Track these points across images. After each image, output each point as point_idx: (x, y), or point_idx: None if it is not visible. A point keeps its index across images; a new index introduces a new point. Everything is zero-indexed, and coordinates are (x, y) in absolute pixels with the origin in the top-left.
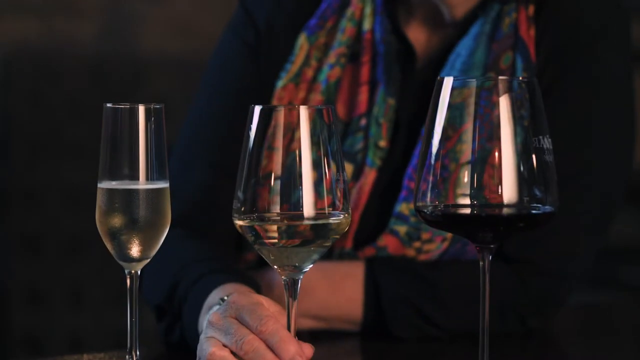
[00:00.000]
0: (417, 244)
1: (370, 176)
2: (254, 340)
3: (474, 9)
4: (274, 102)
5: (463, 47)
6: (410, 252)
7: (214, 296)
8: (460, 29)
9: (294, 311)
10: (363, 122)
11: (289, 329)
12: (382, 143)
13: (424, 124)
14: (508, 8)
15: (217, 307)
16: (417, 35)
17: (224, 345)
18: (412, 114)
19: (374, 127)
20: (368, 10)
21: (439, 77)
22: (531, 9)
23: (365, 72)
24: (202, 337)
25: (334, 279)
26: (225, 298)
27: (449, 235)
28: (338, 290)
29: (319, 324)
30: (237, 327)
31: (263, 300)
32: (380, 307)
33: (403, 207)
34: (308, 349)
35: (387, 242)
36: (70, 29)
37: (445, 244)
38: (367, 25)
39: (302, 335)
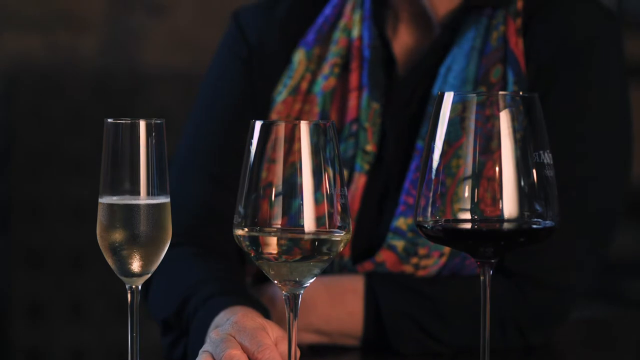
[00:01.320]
0: (414, 260)
1: (360, 182)
2: (236, 357)
3: (456, 12)
4: (273, 116)
5: (454, 62)
6: (408, 269)
7: (222, 317)
8: (446, 32)
9: (294, 326)
10: (354, 127)
11: (289, 343)
12: (369, 147)
13: (416, 132)
14: (496, 21)
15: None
16: (405, 39)
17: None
18: (400, 121)
19: (361, 132)
20: (357, 17)
21: (438, 92)
22: (519, 21)
23: (354, 78)
24: (200, 350)
25: (335, 293)
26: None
27: (446, 250)
28: (339, 304)
29: (320, 339)
30: (229, 343)
31: (267, 324)
32: (380, 321)
33: (400, 222)
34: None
35: (385, 258)
36: (72, 43)
37: (443, 259)
38: (355, 32)
39: (303, 349)
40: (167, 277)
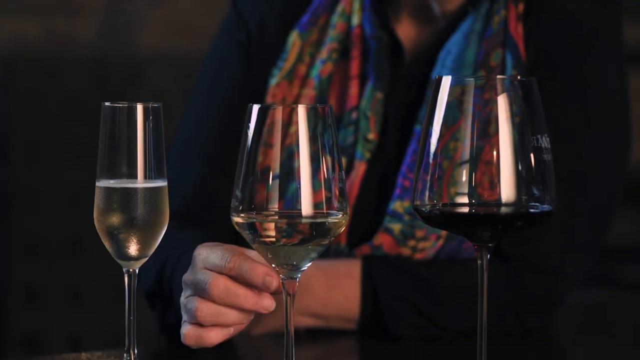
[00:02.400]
0: (411, 243)
1: (360, 169)
2: (219, 280)
3: (464, 5)
4: (268, 99)
5: (453, 45)
6: (406, 252)
7: None
8: (450, 23)
9: (292, 310)
10: (354, 115)
11: (287, 327)
12: (371, 136)
13: (416, 119)
14: (497, 6)
15: None
16: (406, 30)
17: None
18: (401, 108)
19: (363, 121)
20: (356, 5)
21: (436, 76)
22: (521, 7)
23: (355, 66)
24: (182, 299)
25: (332, 277)
26: None
27: (443, 233)
28: (336, 288)
29: (316, 322)
30: (205, 275)
31: (221, 244)
32: (377, 305)
33: (397, 205)
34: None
35: (383, 241)
36: (69, 29)
37: (440, 242)
38: (355, 20)
39: (300, 333)
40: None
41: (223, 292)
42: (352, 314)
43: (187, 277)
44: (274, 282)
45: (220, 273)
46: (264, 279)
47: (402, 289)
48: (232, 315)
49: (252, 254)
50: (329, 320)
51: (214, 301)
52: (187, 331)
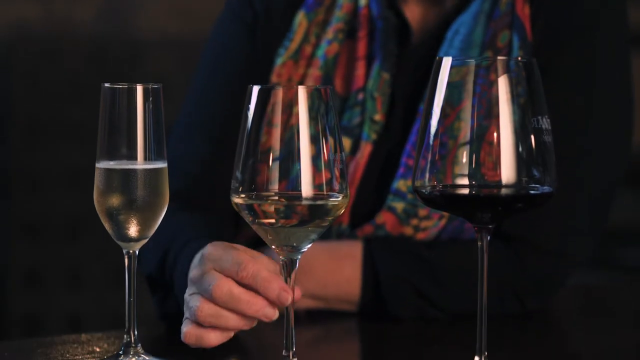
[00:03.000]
0: (414, 222)
1: (366, 150)
2: (224, 284)
3: None
4: (273, 79)
5: (461, 25)
6: (408, 231)
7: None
8: (457, 4)
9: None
10: (360, 96)
11: (287, 309)
12: (377, 117)
13: (421, 99)
14: None
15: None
16: (414, 10)
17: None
18: (408, 89)
19: (369, 101)
20: None
21: (437, 57)
22: None
23: (362, 47)
24: (185, 296)
25: (333, 258)
26: None
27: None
28: (337, 269)
29: (317, 304)
30: (212, 276)
31: (236, 246)
32: (378, 286)
33: (400, 184)
34: (297, 291)
35: (385, 219)
36: (69, 10)
37: (443, 221)
38: (363, 1)
39: (300, 314)
40: (151, 237)
41: (226, 296)
42: (353, 295)
43: (193, 275)
44: (289, 297)
45: (231, 278)
46: (280, 294)
47: (403, 270)
48: (232, 320)
49: (264, 260)
50: (329, 301)
51: (216, 303)
52: (188, 330)
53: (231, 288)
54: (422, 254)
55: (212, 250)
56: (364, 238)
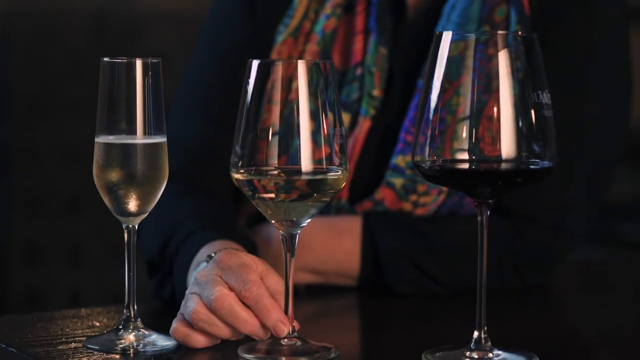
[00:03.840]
0: (413, 197)
1: (364, 125)
2: (226, 297)
3: None
4: (274, 56)
5: (458, 0)
6: (407, 206)
7: (203, 253)
8: None
9: (291, 266)
10: (359, 71)
11: (286, 283)
12: (376, 92)
13: (419, 74)
14: None
15: (204, 264)
16: None
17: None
18: (405, 64)
19: (367, 77)
20: None
21: (437, 32)
22: None
23: (360, 21)
24: (187, 292)
25: (332, 233)
26: (213, 255)
27: (444, 187)
28: (336, 244)
29: (316, 278)
30: (217, 285)
31: (251, 260)
32: (377, 261)
33: (399, 160)
34: (296, 324)
35: (384, 195)
36: None
37: (442, 197)
38: None
39: (300, 289)
40: (152, 216)
41: (226, 310)
42: (352, 270)
43: (200, 275)
44: (285, 330)
45: (234, 293)
46: (276, 325)
47: (402, 245)
48: (223, 331)
49: (271, 281)
50: (328, 276)
51: (213, 313)
52: (177, 326)
53: (232, 304)
54: (421, 228)
55: (225, 257)
56: (363, 213)
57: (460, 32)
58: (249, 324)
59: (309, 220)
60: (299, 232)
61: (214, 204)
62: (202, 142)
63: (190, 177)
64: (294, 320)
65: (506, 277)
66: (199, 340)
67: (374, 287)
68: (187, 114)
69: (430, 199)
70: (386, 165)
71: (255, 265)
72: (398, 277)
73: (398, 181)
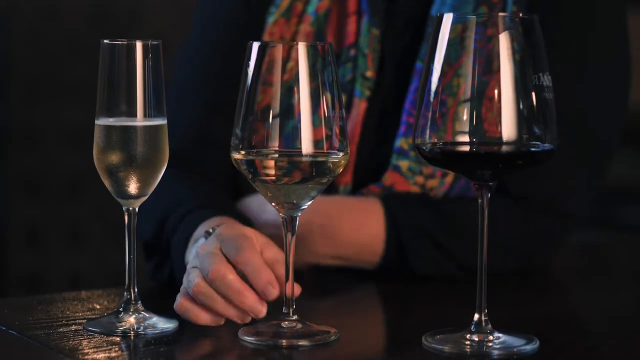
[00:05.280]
0: (419, 179)
1: (361, 107)
2: (222, 268)
3: None
4: (266, 37)
5: None
6: (415, 189)
7: (200, 230)
8: None
9: (292, 248)
10: (352, 52)
11: (287, 266)
12: (369, 73)
13: (413, 55)
14: None
15: (203, 239)
16: None
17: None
18: (398, 45)
19: (361, 58)
20: None
21: (437, 14)
22: None
23: (352, 2)
24: (188, 267)
25: (357, 215)
26: (211, 230)
27: None
28: (362, 227)
29: (337, 262)
30: (215, 257)
31: (250, 231)
32: (400, 242)
33: (402, 142)
34: (297, 287)
35: (392, 180)
36: None
37: (448, 179)
38: None
39: (302, 271)
40: (149, 201)
41: (219, 280)
42: (376, 252)
43: (202, 248)
44: (275, 292)
45: (231, 263)
46: (266, 287)
47: (422, 222)
48: (220, 304)
49: (272, 250)
50: (349, 260)
51: (209, 284)
52: (181, 301)
53: (226, 273)
54: (439, 206)
55: (224, 230)
56: (380, 194)
57: (460, 14)
58: (242, 295)
59: (309, 202)
60: (299, 214)
61: (210, 186)
62: (198, 127)
63: (186, 161)
64: (296, 284)
65: (508, 259)
66: (201, 317)
67: (392, 268)
68: (182, 98)
69: (437, 183)
70: (386, 149)
71: (255, 236)
72: (419, 257)
73: (404, 164)
